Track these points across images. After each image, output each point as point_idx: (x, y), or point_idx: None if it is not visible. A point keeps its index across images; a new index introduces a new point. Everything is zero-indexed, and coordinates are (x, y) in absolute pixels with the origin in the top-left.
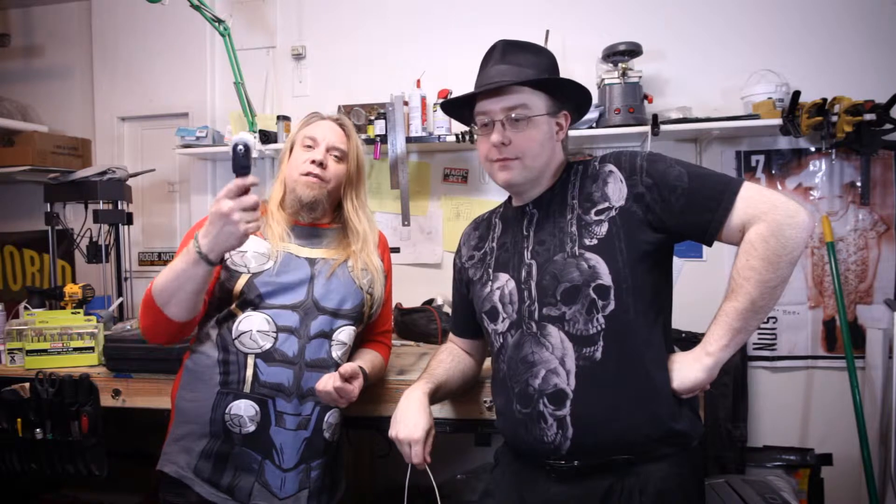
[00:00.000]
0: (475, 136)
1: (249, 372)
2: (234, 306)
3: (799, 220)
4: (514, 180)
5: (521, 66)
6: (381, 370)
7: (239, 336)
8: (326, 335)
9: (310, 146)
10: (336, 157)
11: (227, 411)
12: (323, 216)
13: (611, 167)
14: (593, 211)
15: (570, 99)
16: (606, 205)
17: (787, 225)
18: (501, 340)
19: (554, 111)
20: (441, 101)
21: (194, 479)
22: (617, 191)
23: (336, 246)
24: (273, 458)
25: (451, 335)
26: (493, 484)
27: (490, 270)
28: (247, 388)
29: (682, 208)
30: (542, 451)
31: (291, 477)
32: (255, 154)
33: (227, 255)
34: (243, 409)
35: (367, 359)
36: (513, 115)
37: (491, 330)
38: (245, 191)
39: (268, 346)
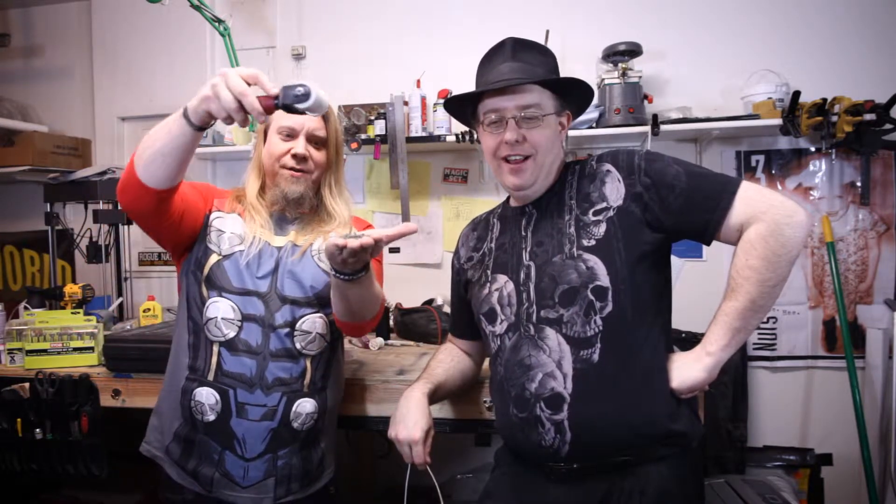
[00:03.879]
0: (475, 136)
1: (214, 360)
2: (202, 287)
3: (797, 220)
4: (526, 183)
5: (531, 64)
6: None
7: (206, 322)
8: (290, 325)
9: (289, 136)
10: (316, 144)
11: (192, 398)
12: (309, 207)
13: (608, 167)
14: (591, 211)
15: (573, 99)
16: (604, 205)
17: (785, 224)
18: (499, 343)
19: (559, 110)
20: (445, 99)
21: (164, 458)
22: (615, 191)
23: (303, 229)
24: (234, 448)
25: (450, 336)
26: (492, 485)
27: (488, 272)
28: (210, 377)
29: (681, 208)
30: (540, 455)
31: (256, 465)
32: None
33: (209, 230)
34: (205, 398)
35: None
36: (525, 114)
37: (489, 332)
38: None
39: (231, 334)
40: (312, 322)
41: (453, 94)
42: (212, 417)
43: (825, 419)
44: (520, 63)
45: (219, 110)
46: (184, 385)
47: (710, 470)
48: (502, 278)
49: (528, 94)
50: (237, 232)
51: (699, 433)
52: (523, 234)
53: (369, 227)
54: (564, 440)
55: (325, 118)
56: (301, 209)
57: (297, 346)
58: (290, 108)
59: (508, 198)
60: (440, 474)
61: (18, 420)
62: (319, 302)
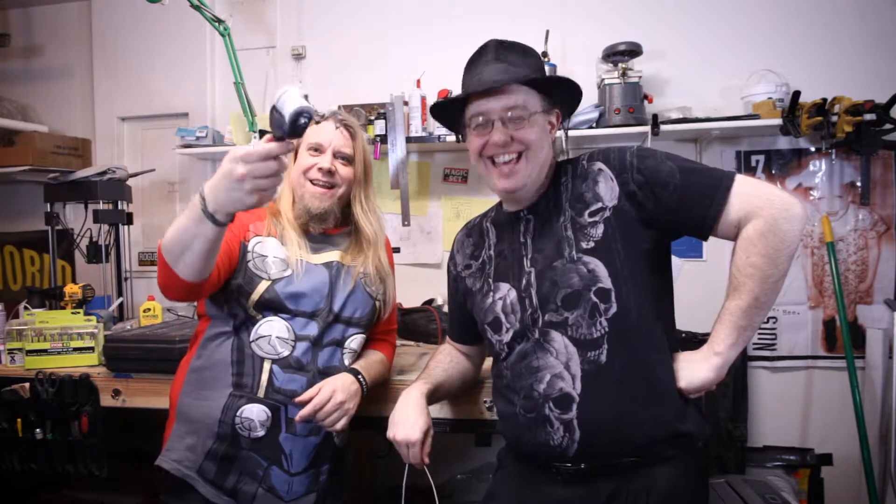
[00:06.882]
0: (464, 138)
1: (265, 377)
2: (251, 310)
3: (794, 213)
4: (518, 185)
5: (515, 65)
6: (386, 370)
7: (257, 339)
8: (339, 343)
9: (316, 150)
10: (343, 160)
11: (238, 414)
12: (334, 224)
13: (600, 165)
14: (586, 212)
15: (560, 98)
16: (599, 205)
17: (783, 219)
18: (506, 350)
19: (547, 109)
20: (431, 105)
21: (197, 479)
22: (608, 190)
23: (351, 251)
24: (281, 463)
25: (448, 339)
26: (495, 487)
27: (490, 280)
28: (261, 393)
29: (676, 205)
30: (548, 455)
31: (300, 480)
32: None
33: (249, 257)
34: (255, 414)
35: (370, 361)
36: (511, 115)
37: (495, 340)
38: (272, 157)
39: (285, 353)
40: (358, 342)
41: (452, 94)
42: (261, 433)
43: (825, 419)
44: (503, 64)
45: (249, 207)
46: (227, 402)
47: (710, 470)
48: (505, 286)
49: (513, 95)
50: (280, 256)
51: (706, 434)
52: (522, 240)
53: (390, 250)
54: (573, 439)
55: (353, 136)
56: (325, 225)
57: (346, 362)
58: (288, 130)
59: (501, 202)
60: (440, 474)
61: (18, 420)
62: (363, 323)
